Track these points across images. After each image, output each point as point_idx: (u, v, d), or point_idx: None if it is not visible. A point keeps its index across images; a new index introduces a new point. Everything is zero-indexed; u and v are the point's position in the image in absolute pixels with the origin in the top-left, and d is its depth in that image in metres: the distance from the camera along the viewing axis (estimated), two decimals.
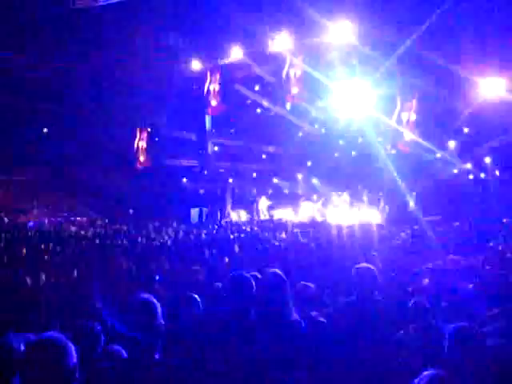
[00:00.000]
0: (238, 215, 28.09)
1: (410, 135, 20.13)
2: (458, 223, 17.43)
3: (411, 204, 21.53)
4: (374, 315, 3.76)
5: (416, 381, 1.99)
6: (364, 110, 20.19)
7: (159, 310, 2.32)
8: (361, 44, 17.61)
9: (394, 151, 22.41)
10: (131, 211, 27.81)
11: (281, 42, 19.29)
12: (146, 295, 2.40)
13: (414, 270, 6.86)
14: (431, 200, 20.79)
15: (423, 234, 13.22)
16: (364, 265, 4.01)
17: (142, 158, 27.46)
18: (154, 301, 2.35)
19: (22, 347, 2.40)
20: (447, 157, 22.87)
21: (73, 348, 2.01)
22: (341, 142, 27.49)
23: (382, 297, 4.15)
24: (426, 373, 2.02)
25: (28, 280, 7.46)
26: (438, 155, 22.95)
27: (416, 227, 15.82)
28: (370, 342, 3.62)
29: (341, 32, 17.69)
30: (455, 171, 24.02)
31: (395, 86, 19.81)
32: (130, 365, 2.26)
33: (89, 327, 3.43)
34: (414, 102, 19.59)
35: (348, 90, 19.76)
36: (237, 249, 11.58)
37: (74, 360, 2.00)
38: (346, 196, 25.30)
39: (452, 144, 23.46)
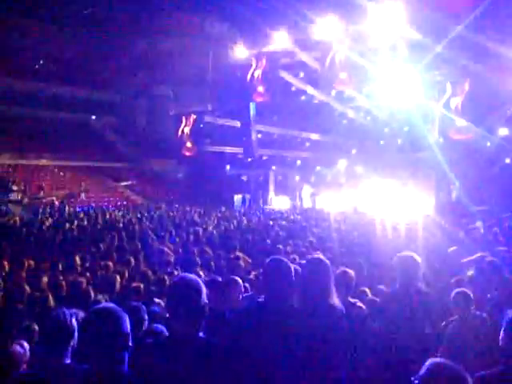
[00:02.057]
0: (281, 202, 28.14)
1: (461, 122, 19.50)
2: (508, 214, 16.83)
3: (457, 193, 20.91)
4: (416, 305, 3.72)
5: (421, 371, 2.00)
6: (411, 97, 19.72)
7: (204, 290, 2.38)
8: (409, 29, 17.15)
9: (441, 139, 21.80)
10: (172, 197, 28.29)
11: (326, 28, 19.02)
12: (191, 276, 2.47)
13: (459, 261, 6.72)
14: (481, 189, 20.10)
15: (470, 224, 12.87)
16: (407, 253, 3.95)
17: (187, 145, 27.83)
18: (200, 281, 2.41)
19: (73, 319, 2.53)
20: (499, 144, 21.95)
21: (127, 317, 2.22)
22: (386, 130, 26.99)
23: (425, 286, 4.10)
24: (429, 361, 2.02)
25: (78, 261, 7.77)
26: (489, 144, 22.13)
27: (464, 220, 15.33)
28: (411, 331, 3.60)
29: (388, 17, 17.27)
30: (507, 161, 23.05)
31: (445, 71, 19.23)
32: (172, 342, 2.34)
33: (135, 307, 3.57)
34: (466, 86, 18.91)
35: (394, 77, 19.35)
36: (278, 235, 11.63)
37: (128, 328, 2.21)
38: (390, 184, 24.87)
39: (504, 131, 22.45)
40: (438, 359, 2.05)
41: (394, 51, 18.71)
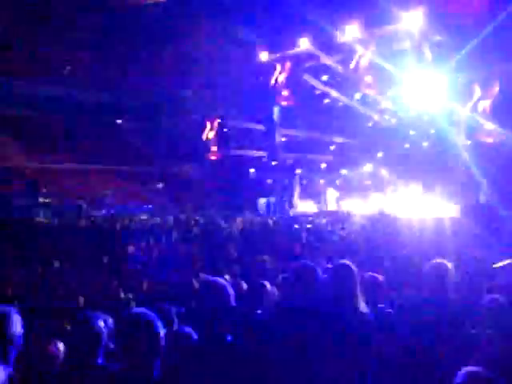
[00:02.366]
0: (306, 206, 28.04)
1: (488, 124, 19.17)
2: None
3: (485, 197, 20.49)
4: (447, 312, 3.66)
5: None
6: (437, 99, 19.46)
7: (232, 293, 2.39)
8: (434, 31, 16.97)
9: (469, 142, 21.44)
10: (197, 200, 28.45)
11: (350, 31, 18.97)
12: (218, 279, 2.49)
13: (491, 266, 6.58)
14: (510, 193, 19.66)
15: (501, 229, 12.60)
16: (438, 260, 3.89)
17: (212, 149, 27.97)
18: (227, 284, 2.43)
19: (101, 323, 2.58)
20: None
21: (159, 322, 2.30)
22: (412, 133, 26.67)
23: (456, 294, 4.02)
24: (464, 369, 1.97)
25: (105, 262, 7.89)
26: None
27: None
28: (441, 339, 3.54)
29: (413, 20, 17.12)
30: None
31: (473, 73, 18.92)
32: (201, 345, 2.37)
33: (165, 309, 3.60)
34: (496, 88, 18.58)
35: (420, 79, 19.13)
36: (304, 239, 11.60)
37: (161, 333, 2.28)
38: (416, 188, 24.55)
39: None
40: (472, 368, 2.01)
41: (419, 53, 18.52)
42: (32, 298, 6.02)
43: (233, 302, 2.39)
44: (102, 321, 2.68)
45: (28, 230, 14.51)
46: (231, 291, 2.42)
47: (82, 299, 5.05)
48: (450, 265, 3.80)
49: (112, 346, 2.65)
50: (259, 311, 3.75)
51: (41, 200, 24.03)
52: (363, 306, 3.11)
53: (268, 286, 4.14)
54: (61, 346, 3.13)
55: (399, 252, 8.87)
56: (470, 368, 1.99)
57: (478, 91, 18.83)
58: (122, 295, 5.27)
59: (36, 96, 29.76)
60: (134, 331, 2.23)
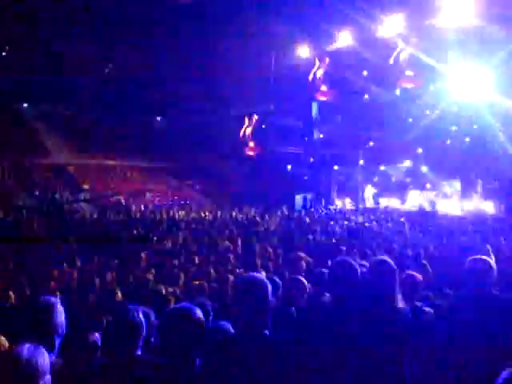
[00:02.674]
0: (343, 202, 27.80)
1: None
2: None
3: None
4: (488, 310, 3.56)
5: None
6: (481, 94, 18.93)
7: (269, 288, 2.41)
8: (480, 24, 16.45)
9: None
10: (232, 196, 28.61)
11: (391, 25, 18.64)
12: (256, 274, 2.50)
13: None
14: None
15: None
16: (480, 257, 3.79)
17: (250, 145, 28.07)
18: (265, 279, 2.44)
19: (140, 314, 2.62)
20: None
21: (202, 316, 2.40)
22: (453, 128, 26.03)
23: (499, 292, 3.91)
24: (507, 370, 1.91)
25: (144, 257, 8.02)
26: None
27: None
28: (483, 338, 3.45)
29: (457, 12, 16.65)
30: None
31: None
32: (239, 339, 2.39)
33: (202, 303, 3.64)
34: None
35: (463, 73, 18.65)
36: (341, 234, 11.53)
37: (204, 327, 2.38)
38: (457, 185, 24.00)
39: None
40: None
41: (463, 46, 18.04)
42: (72, 292, 6.19)
43: (270, 297, 2.41)
44: (142, 313, 2.72)
45: (68, 225, 14.93)
46: (269, 286, 2.44)
47: (119, 293, 5.15)
48: (492, 261, 3.70)
49: (153, 340, 2.70)
50: (296, 306, 3.75)
51: (82, 196, 24.70)
52: (401, 304, 3.07)
53: (305, 281, 4.13)
54: (98, 336, 3.22)
55: (438, 250, 8.70)
56: (509, 370, 1.93)
57: None
58: (163, 291, 5.37)
59: (73, 94, 30.41)
60: (179, 324, 2.30)
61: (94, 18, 25.61)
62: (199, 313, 2.34)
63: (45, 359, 1.91)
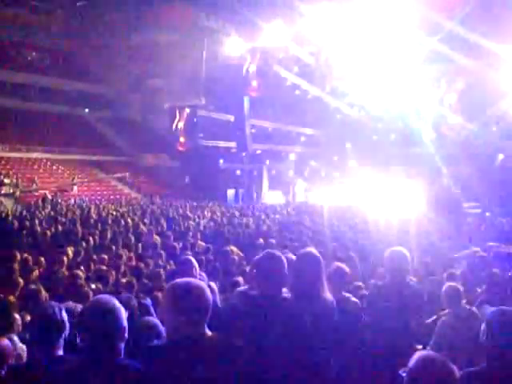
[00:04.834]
0: (274, 197, 28.17)
1: (454, 119, 19.61)
2: (498, 209, 16.93)
3: (449, 189, 20.98)
4: (406, 298, 3.75)
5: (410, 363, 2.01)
6: (405, 93, 19.77)
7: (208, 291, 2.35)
8: (403, 25, 17.14)
9: (435, 135, 21.89)
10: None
11: (320, 22, 18.95)
12: (192, 280, 2.43)
13: (450, 256, 6.77)
14: (473, 186, 20.16)
15: (462, 220, 12.96)
16: (397, 248, 3.99)
17: (181, 139, 27.77)
18: (203, 285, 2.36)
19: (63, 313, 2.52)
20: (493, 141, 21.99)
21: (123, 309, 2.24)
22: (380, 125, 27.06)
23: (416, 281, 4.13)
24: (417, 353, 2.04)
25: (70, 254, 7.75)
26: (482, 140, 22.20)
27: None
28: (400, 325, 3.63)
29: (382, 13, 17.24)
30: (501, 157, 23.10)
31: (440, 68, 19.27)
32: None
33: (127, 299, 3.58)
34: (460, 84, 19.01)
35: (389, 73, 19.38)
36: (271, 228, 11.66)
37: (125, 320, 2.22)
38: (384, 179, 24.95)
39: (497, 128, 22.53)
40: (426, 352, 2.06)
41: (388, 47, 18.73)
42: None
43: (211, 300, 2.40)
44: (63, 310, 2.62)
45: None
46: (208, 290, 2.39)
47: (43, 291, 4.91)
48: (407, 252, 3.92)
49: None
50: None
51: (3, 191, 23.39)
52: (328, 295, 3.14)
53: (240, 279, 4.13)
54: (15, 338, 3.07)
55: (365, 243, 9.00)
56: (422, 352, 2.04)
57: (444, 86, 19.22)
58: (91, 287, 5.22)
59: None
60: (99, 316, 2.14)
61: None
62: (117, 305, 2.21)
63: None
